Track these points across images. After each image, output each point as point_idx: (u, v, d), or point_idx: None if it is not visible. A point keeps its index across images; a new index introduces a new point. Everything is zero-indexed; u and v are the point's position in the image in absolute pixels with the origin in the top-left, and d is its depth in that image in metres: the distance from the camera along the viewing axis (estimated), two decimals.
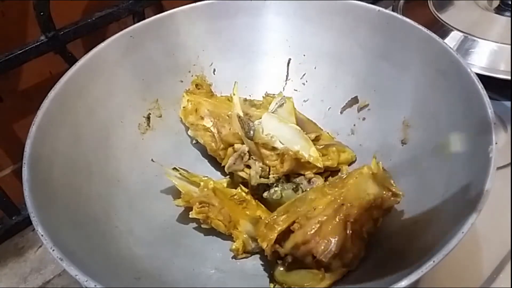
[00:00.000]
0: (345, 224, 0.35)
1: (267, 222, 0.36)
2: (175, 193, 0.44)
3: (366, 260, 0.36)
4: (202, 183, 0.41)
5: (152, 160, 0.43)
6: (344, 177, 0.38)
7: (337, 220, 0.35)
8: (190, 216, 0.40)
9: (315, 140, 0.44)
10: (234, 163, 0.43)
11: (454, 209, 0.32)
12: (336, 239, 0.34)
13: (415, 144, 0.42)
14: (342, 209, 0.35)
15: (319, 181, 0.42)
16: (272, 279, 0.37)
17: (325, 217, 0.35)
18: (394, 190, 0.37)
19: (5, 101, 0.48)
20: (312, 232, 0.34)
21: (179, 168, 0.42)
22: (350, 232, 0.35)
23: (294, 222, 0.35)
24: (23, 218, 0.49)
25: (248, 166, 0.43)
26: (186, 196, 0.40)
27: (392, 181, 0.37)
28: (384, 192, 0.36)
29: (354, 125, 0.47)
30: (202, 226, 0.41)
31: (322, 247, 0.34)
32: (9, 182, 0.51)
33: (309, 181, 0.41)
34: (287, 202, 0.39)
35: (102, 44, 0.43)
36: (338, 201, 0.36)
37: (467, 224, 0.28)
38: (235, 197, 0.42)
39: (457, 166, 0.35)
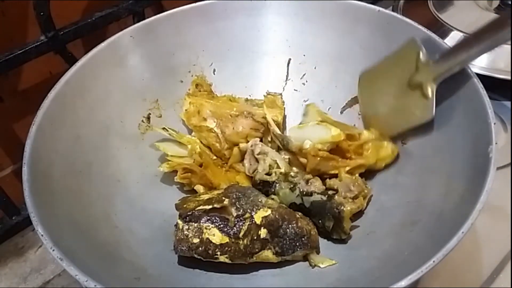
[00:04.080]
0: None
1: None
2: (175, 192, 0.44)
3: (365, 260, 0.36)
4: (189, 146, 0.45)
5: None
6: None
7: None
8: (175, 179, 0.43)
9: (350, 140, 0.43)
10: (250, 164, 0.44)
11: (454, 209, 0.32)
12: None
13: (415, 144, 0.42)
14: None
15: (317, 182, 0.41)
16: None
17: None
18: None
19: (5, 101, 0.48)
20: None
21: (168, 128, 0.45)
22: None
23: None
24: (23, 218, 0.49)
25: (257, 161, 0.44)
26: (172, 163, 0.44)
27: None
28: None
29: (355, 125, 0.47)
30: (185, 188, 0.44)
31: None
32: (9, 182, 0.51)
33: (307, 181, 0.41)
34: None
35: (102, 44, 0.43)
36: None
37: (467, 224, 0.28)
38: (217, 160, 0.46)
39: (457, 166, 0.35)
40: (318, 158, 0.41)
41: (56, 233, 0.31)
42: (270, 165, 0.43)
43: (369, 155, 0.42)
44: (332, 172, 0.42)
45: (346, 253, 0.39)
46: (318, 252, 0.38)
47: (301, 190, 0.41)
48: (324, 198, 0.40)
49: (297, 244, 0.37)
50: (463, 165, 0.34)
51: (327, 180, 0.42)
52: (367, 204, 0.41)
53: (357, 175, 0.42)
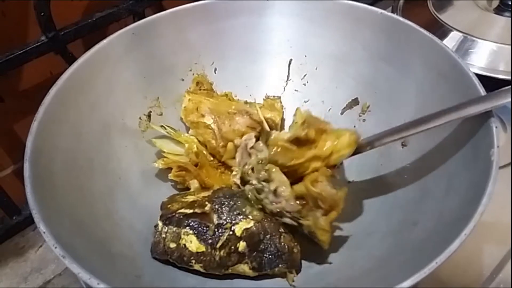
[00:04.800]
0: None
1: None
2: (175, 190, 0.44)
3: (365, 260, 0.36)
4: (187, 145, 0.45)
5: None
6: None
7: None
8: (169, 177, 0.43)
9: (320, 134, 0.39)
10: (242, 158, 0.43)
11: (455, 212, 0.32)
12: None
13: (415, 146, 0.42)
14: None
15: (286, 191, 0.36)
16: None
17: None
18: None
19: (6, 101, 0.47)
20: None
21: (166, 126, 0.46)
22: None
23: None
24: (23, 218, 0.49)
25: (249, 155, 0.43)
26: (168, 160, 0.44)
27: None
28: None
29: (355, 126, 0.47)
30: (178, 186, 0.45)
31: None
32: (10, 182, 0.50)
33: (274, 192, 0.37)
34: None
35: (104, 41, 0.43)
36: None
37: (469, 227, 0.28)
38: (213, 162, 0.46)
39: (458, 168, 0.35)
40: (277, 149, 0.37)
41: (58, 231, 0.30)
42: (260, 160, 0.40)
43: (323, 145, 0.37)
44: (291, 163, 0.37)
45: (346, 253, 0.39)
46: (297, 272, 0.37)
47: (270, 210, 0.38)
48: (294, 223, 0.37)
49: (277, 261, 0.36)
50: (465, 168, 0.34)
51: (294, 186, 0.37)
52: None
53: (323, 182, 0.36)
